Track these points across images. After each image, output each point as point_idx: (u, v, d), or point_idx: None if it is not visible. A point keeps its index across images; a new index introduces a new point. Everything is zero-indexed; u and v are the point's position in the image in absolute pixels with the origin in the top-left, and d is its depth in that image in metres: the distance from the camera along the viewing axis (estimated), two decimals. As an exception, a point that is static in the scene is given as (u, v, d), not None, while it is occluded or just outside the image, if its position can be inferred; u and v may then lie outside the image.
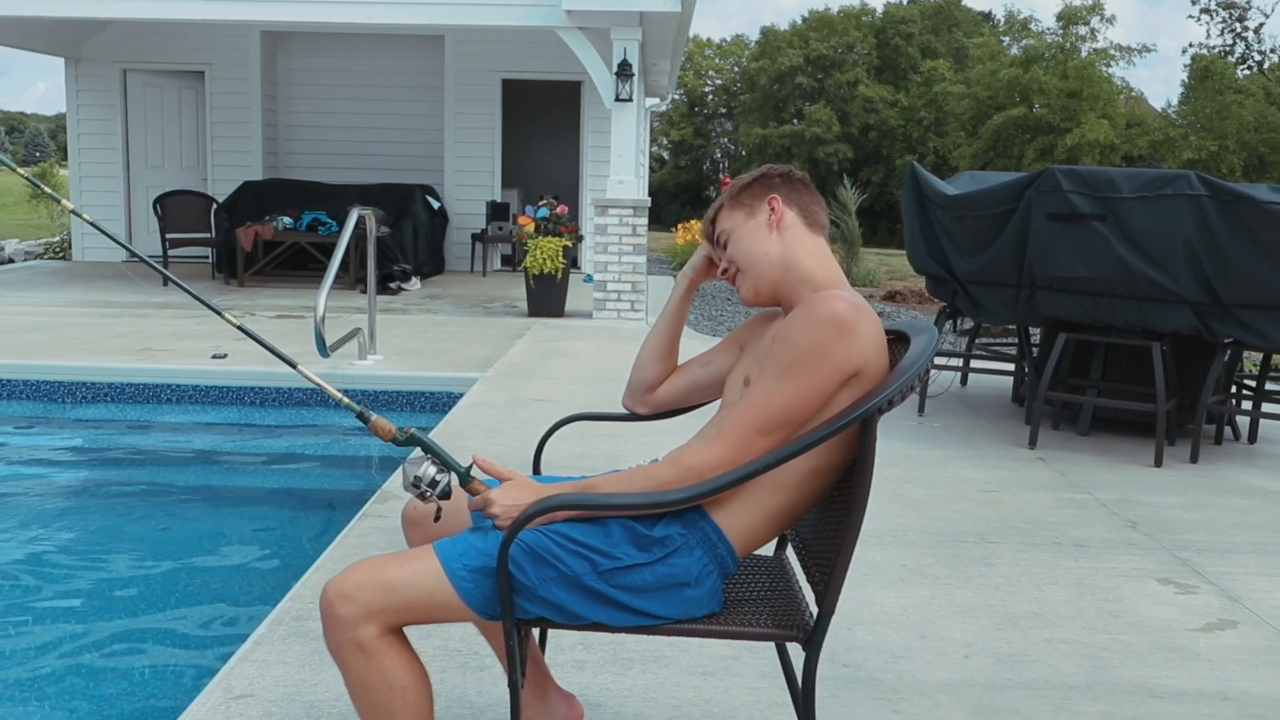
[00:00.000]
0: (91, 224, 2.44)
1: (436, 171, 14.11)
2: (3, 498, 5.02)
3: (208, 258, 12.21)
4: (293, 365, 2.26)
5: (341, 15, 9.72)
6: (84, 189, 14.09)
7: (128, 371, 6.73)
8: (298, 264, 12.13)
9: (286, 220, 11.82)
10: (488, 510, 2.03)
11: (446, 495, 2.08)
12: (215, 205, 12.39)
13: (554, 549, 1.99)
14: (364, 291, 7.88)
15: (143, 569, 4.27)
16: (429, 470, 2.05)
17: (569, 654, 2.95)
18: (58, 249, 15.60)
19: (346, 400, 2.20)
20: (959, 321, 7.49)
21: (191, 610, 3.89)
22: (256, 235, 11.54)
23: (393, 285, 11.56)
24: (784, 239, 2.17)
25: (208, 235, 12.13)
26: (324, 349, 6.17)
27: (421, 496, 2.07)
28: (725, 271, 2.25)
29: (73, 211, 2.33)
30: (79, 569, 4.27)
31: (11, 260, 14.33)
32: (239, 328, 2.26)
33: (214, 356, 7.04)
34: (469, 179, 14.10)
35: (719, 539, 2.06)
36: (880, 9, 48.38)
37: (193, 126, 14.27)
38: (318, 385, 2.26)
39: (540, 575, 1.98)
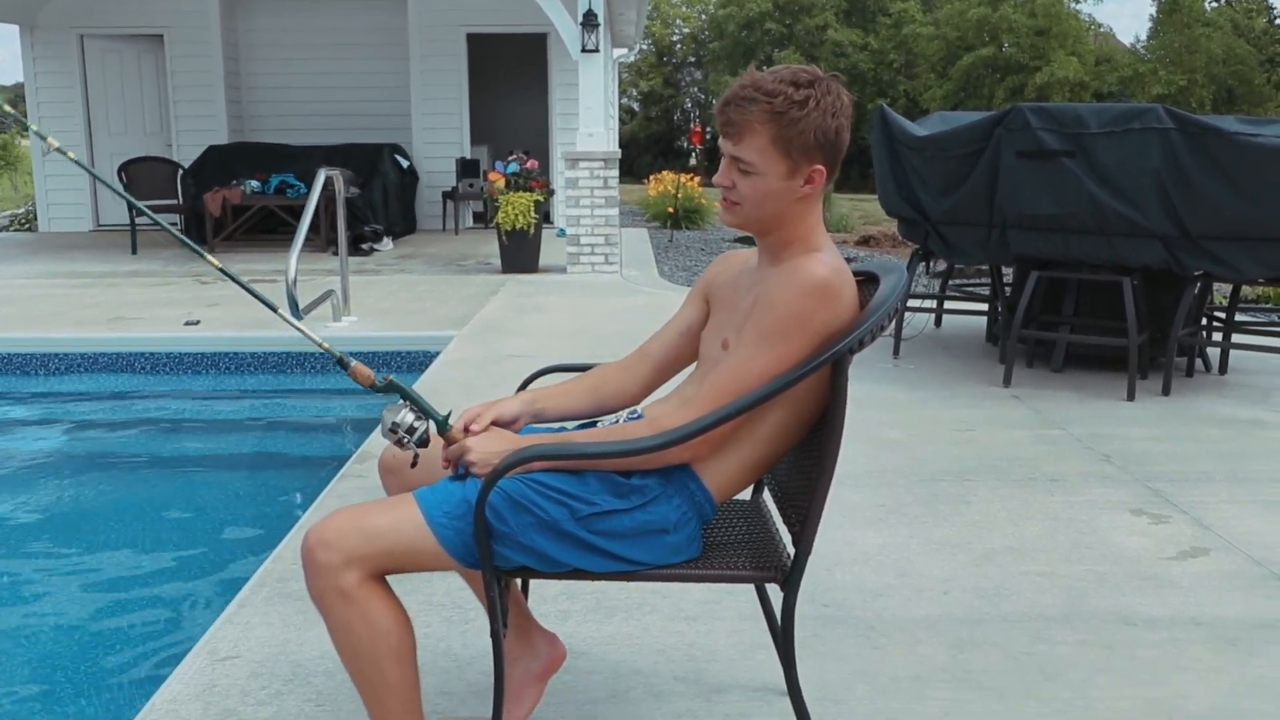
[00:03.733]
0: (77, 163, 2.44)
1: (404, 130, 13.97)
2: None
3: (176, 224, 12.08)
4: (273, 309, 2.25)
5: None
6: (47, 161, 13.89)
7: (100, 341, 6.69)
8: (267, 228, 12.05)
9: (254, 184, 11.71)
10: (465, 457, 2.04)
11: (424, 443, 2.08)
12: (181, 171, 12.26)
13: (533, 496, 2.00)
14: (336, 254, 7.83)
15: (124, 536, 4.27)
16: (407, 417, 2.05)
17: (552, 604, 2.98)
18: (23, 220, 15.40)
19: (327, 345, 2.19)
20: (932, 263, 7.52)
21: (175, 575, 3.90)
22: (224, 200, 11.44)
23: (364, 246, 11.49)
24: (804, 204, 2.10)
25: (174, 202, 12.02)
26: (297, 312, 6.14)
27: (399, 443, 2.07)
28: (730, 188, 2.09)
29: (58, 149, 2.29)
30: (60, 538, 4.28)
31: (-24, 233, 14.15)
32: (221, 269, 2.23)
33: (186, 324, 7.00)
34: (437, 136, 13.96)
35: (697, 487, 2.07)
36: (847, -48, 47.93)
37: (154, 91, 14.07)
38: (300, 331, 2.26)
39: (520, 522, 1.99)
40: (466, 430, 2.12)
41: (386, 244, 11.91)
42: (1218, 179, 4.95)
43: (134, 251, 11.27)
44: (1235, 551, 3.45)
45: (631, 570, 2.06)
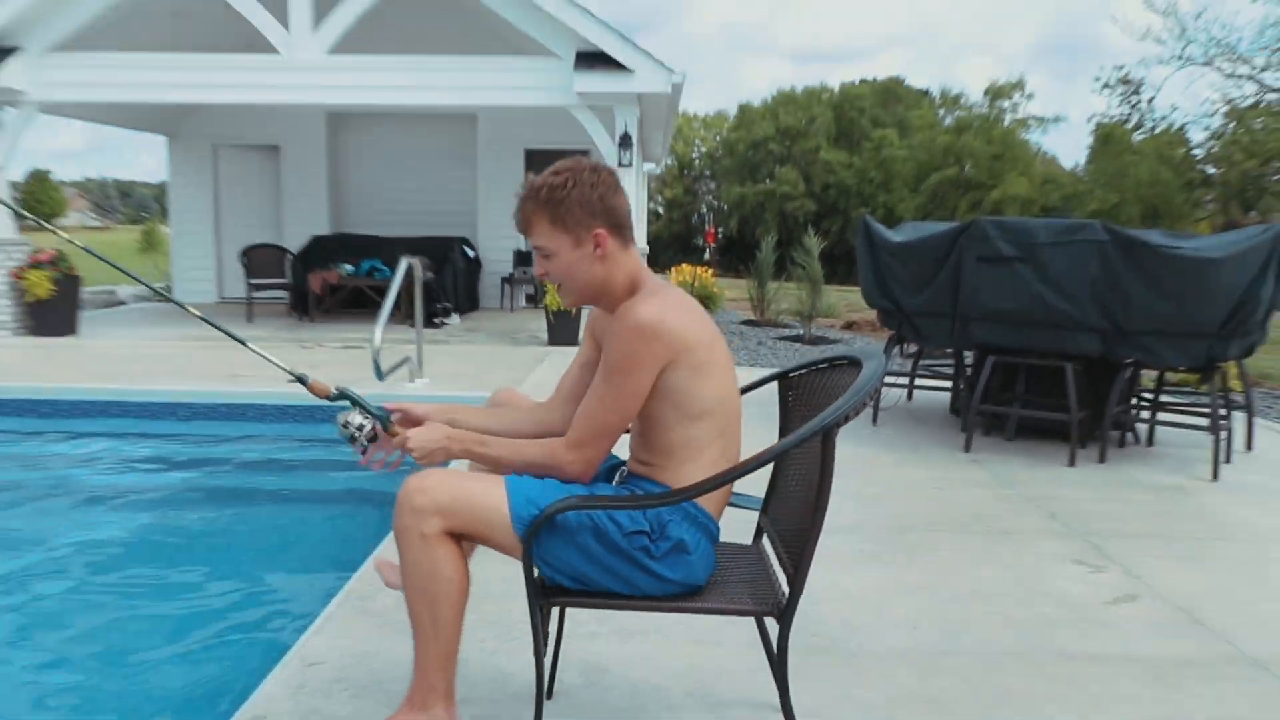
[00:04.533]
0: (84, 248, 2.53)
1: (471, 225, 14.16)
2: (117, 498, 5.03)
3: (285, 299, 12.24)
4: (242, 342, 2.40)
5: (394, 99, 9.81)
6: (182, 243, 14.14)
7: (218, 394, 6.76)
8: (358, 303, 12.17)
9: (348, 267, 11.86)
10: (405, 447, 2.05)
11: (374, 438, 2.11)
12: (290, 255, 12.43)
13: (589, 517, 2.00)
14: (413, 325, 7.90)
15: (231, 558, 4.28)
16: (355, 418, 2.10)
17: (584, 627, 2.95)
18: (163, 292, 15.60)
19: (285, 367, 2.29)
20: (905, 346, 7.50)
21: (272, 592, 3.90)
22: (324, 280, 11.59)
23: (436, 320, 11.57)
24: (606, 265, 2.09)
25: (284, 280, 12.18)
26: (380, 374, 6.19)
27: (351, 439, 2.10)
28: (545, 275, 2.12)
29: (70, 241, 2.41)
30: (177, 558, 4.28)
31: (123, 303, 14.34)
32: (199, 317, 2.32)
33: (290, 382, 7.04)
34: (498, 231, 14.13)
35: (695, 510, 2.07)
36: (837, 88, 48.59)
37: (271, 190, 14.34)
38: (263, 357, 2.36)
39: (580, 521, 1.99)
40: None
41: (455, 319, 12.01)
42: (1145, 283, 4.95)
43: (249, 320, 11.41)
44: (1162, 599, 3.39)
45: (661, 593, 2.05)
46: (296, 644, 2.83)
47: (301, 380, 2.20)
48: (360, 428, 2.10)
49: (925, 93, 48.33)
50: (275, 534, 4.63)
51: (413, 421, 2.20)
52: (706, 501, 2.10)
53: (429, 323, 11.08)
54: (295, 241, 13.42)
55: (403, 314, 11.21)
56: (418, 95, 9.80)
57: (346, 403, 2.15)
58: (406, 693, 2.09)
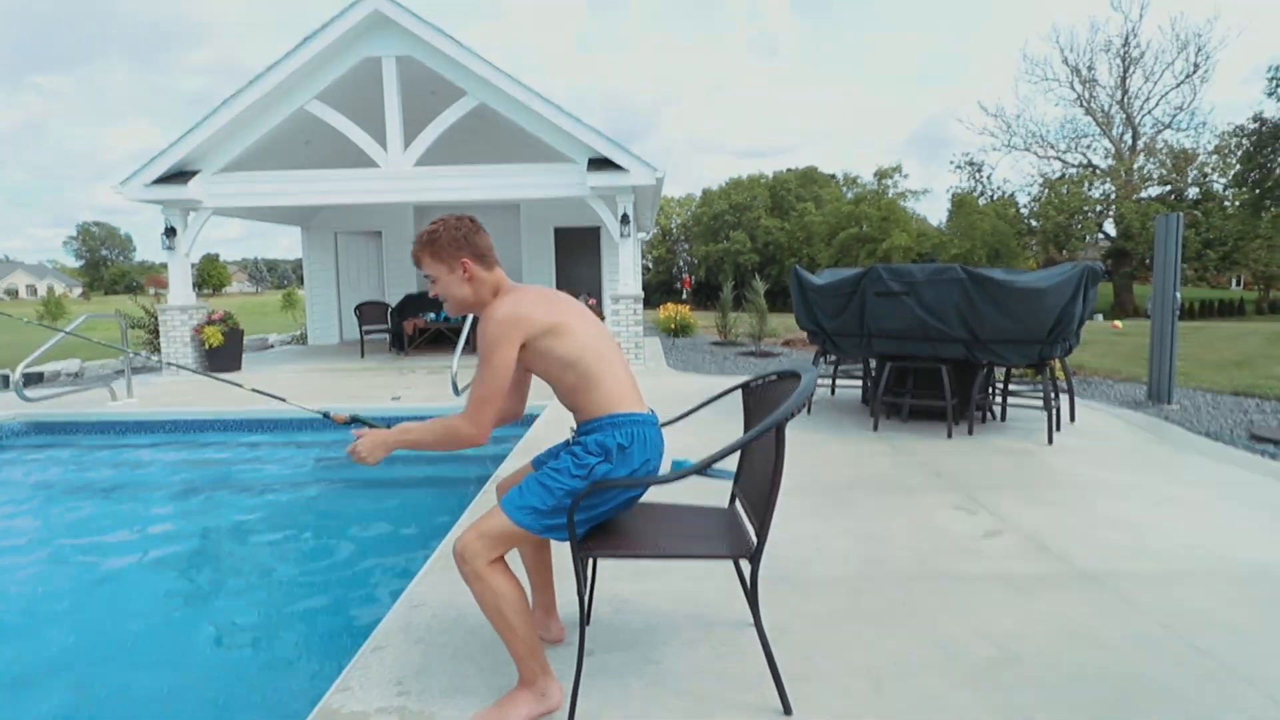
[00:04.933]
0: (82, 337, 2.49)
1: (518, 281, 14.06)
2: (267, 486, 4.99)
3: (386, 339, 12.18)
4: (281, 399, 2.57)
5: (461, 196, 9.79)
6: (313, 302, 14.11)
7: (341, 409, 6.66)
8: (439, 341, 12.13)
9: (431, 315, 11.82)
10: (352, 450, 2.07)
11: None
12: (389, 308, 12.40)
13: (553, 481, 1.98)
14: (479, 356, 7.83)
15: (351, 529, 4.22)
16: (359, 428, 2.16)
17: (609, 572, 2.92)
18: (299, 338, 15.58)
19: (312, 409, 2.45)
20: (827, 357, 7.47)
21: (382, 554, 3.85)
22: (414, 324, 11.54)
23: (495, 350, 11.51)
24: (472, 284, 2.08)
25: (386, 326, 12.13)
26: (456, 391, 6.15)
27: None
28: (435, 294, 2.11)
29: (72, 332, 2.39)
30: (318, 530, 4.23)
31: (273, 346, 14.30)
32: (255, 390, 2.30)
33: (393, 399, 7.02)
34: (539, 284, 14.03)
35: (612, 421, 2.01)
36: (771, 175, 48.81)
37: (376, 263, 14.30)
38: (301, 409, 2.41)
39: (571, 487, 1.97)
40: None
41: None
42: (993, 307, 4.93)
43: (362, 355, 11.35)
44: (1020, 533, 3.36)
45: (632, 477, 1.98)
46: (404, 592, 2.81)
47: (326, 417, 2.34)
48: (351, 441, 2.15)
49: (833, 176, 48.44)
50: (382, 511, 4.58)
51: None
52: (621, 405, 2.02)
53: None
54: (393, 298, 13.42)
55: (472, 347, 11.20)
56: (478, 193, 9.80)
57: (360, 424, 2.23)
58: (517, 679, 2.05)
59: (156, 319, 10.88)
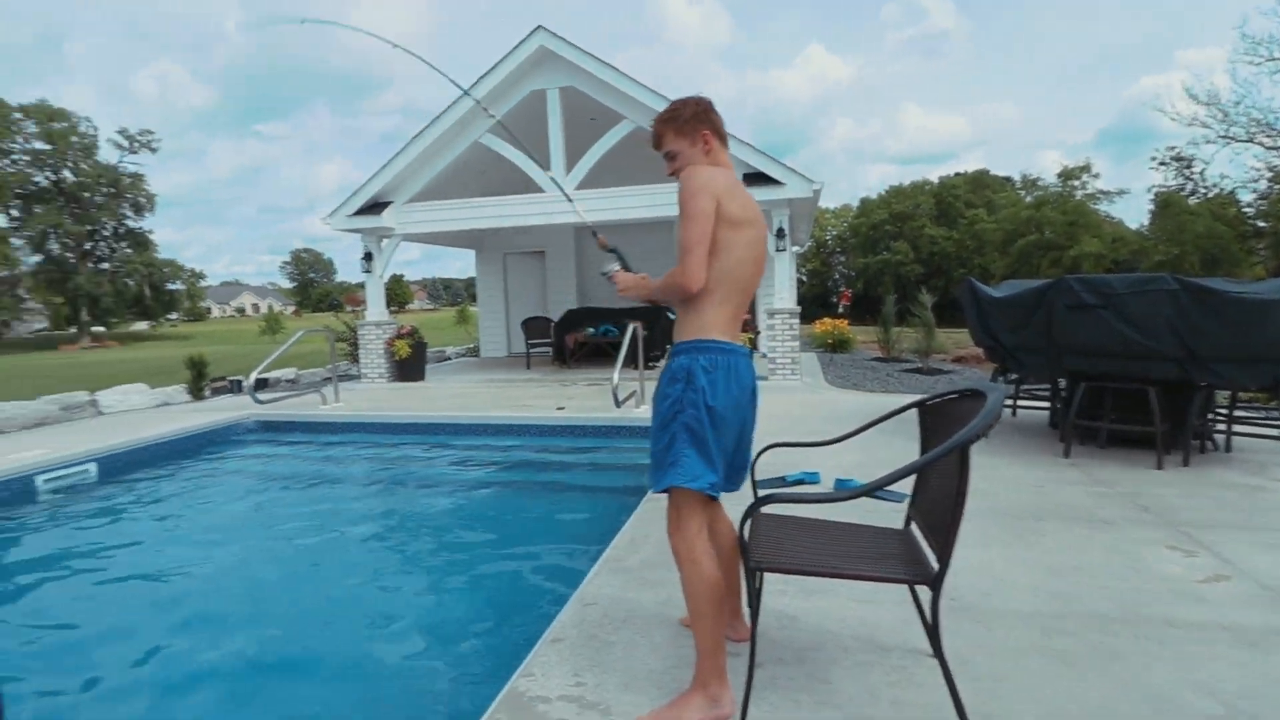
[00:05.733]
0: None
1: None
2: (450, 487, 5.36)
3: (549, 352, 12.84)
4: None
5: (617, 216, 10.20)
6: (484, 318, 15.19)
7: (511, 418, 7.12)
8: (599, 353, 12.58)
9: (591, 329, 12.31)
10: (615, 278, 2.32)
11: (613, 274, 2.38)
12: (552, 323, 13.07)
13: (675, 421, 2.10)
14: (636, 368, 8.06)
15: (526, 531, 4.45)
16: (609, 266, 2.38)
17: (776, 587, 2.92)
18: (472, 351, 16.82)
19: (589, 222, 2.65)
20: (1008, 375, 6.94)
21: (556, 555, 4.03)
22: (575, 338, 12.08)
23: (652, 364, 11.77)
24: (710, 158, 2.19)
25: (549, 340, 12.80)
26: (617, 402, 6.38)
27: (606, 274, 2.37)
28: (672, 172, 2.22)
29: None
30: (490, 529, 4.48)
31: (450, 358, 15.55)
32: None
33: (558, 409, 7.35)
34: (691, 301, 14.18)
35: (697, 345, 2.14)
36: (937, 180, 46.10)
37: (539, 280, 15.15)
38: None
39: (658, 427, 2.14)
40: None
41: (664, 362, 12.12)
42: (1215, 321, 4.38)
43: (528, 367, 12.06)
44: (1251, 579, 2.96)
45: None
46: (577, 590, 2.95)
47: (594, 234, 2.52)
48: (609, 269, 2.38)
49: (1008, 179, 44.96)
50: (555, 516, 4.77)
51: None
52: (713, 331, 2.13)
53: (648, 366, 11.30)
54: (556, 313, 14.05)
55: (631, 361, 11.52)
56: (633, 212, 10.17)
57: (617, 255, 2.42)
58: (691, 680, 2.12)
59: (356, 333, 12.20)
